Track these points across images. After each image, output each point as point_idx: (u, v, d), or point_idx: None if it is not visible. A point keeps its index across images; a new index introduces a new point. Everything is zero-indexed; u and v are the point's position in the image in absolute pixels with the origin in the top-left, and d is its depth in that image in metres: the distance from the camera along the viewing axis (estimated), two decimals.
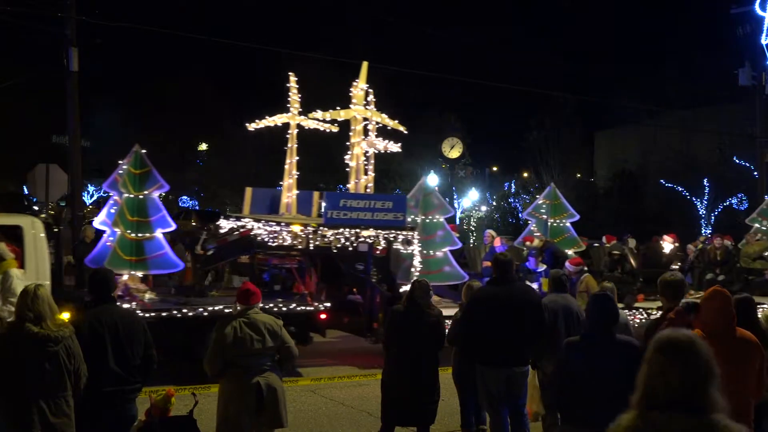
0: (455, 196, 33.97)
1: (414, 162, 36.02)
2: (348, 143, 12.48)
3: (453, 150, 24.80)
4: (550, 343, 7.28)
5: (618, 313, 5.45)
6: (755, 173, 27.67)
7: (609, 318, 5.23)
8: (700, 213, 33.74)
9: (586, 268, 11.02)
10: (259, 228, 10.62)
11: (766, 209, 15.66)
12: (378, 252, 11.73)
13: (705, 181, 33.40)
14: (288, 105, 12.50)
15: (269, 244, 10.69)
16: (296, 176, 12.21)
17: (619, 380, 5.05)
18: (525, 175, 40.69)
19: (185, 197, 43.58)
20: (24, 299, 4.93)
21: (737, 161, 31.57)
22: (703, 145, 33.96)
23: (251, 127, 12.54)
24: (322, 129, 12.60)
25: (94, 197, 43.94)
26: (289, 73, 12.51)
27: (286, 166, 12.26)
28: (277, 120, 12.53)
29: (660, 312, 6.10)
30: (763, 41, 26.64)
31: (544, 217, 14.10)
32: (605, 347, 5.11)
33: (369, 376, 10.20)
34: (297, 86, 12.39)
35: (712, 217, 33.81)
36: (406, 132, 12.83)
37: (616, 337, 5.20)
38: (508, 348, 6.63)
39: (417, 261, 11.37)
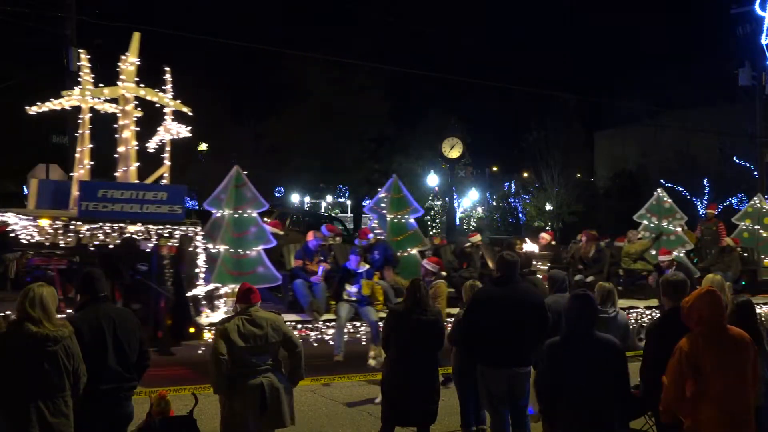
0: (455, 196, 33.97)
1: (414, 162, 36.07)
2: (158, 128, 11.24)
3: (453, 150, 24.77)
4: None
5: (596, 313, 5.56)
6: (755, 173, 27.71)
7: (586, 318, 5.34)
8: (700, 213, 33.76)
9: (444, 273, 10.41)
10: (16, 223, 9.37)
11: (655, 205, 14.45)
12: (169, 251, 10.40)
13: (705, 181, 33.46)
14: (80, 87, 10.89)
15: (24, 241, 9.36)
16: (89, 166, 10.79)
17: (598, 379, 5.17)
18: (525, 175, 40.73)
19: (185, 197, 43.57)
20: (24, 299, 4.92)
21: (737, 161, 31.61)
22: (703, 145, 34.00)
23: (32, 110, 10.80)
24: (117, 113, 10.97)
25: None
26: (80, 51, 10.94)
27: (77, 155, 10.82)
28: (65, 103, 10.82)
29: (663, 312, 6.09)
30: (763, 41, 26.66)
31: (385, 212, 12.66)
32: (584, 347, 5.25)
33: (369, 376, 10.20)
34: (89, 65, 10.84)
35: None
36: (191, 113, 11.37)
37: (596, 336, 5.32)
38: (510, 348, 6.62)
39: (202, 260, 10.19)
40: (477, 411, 7.73)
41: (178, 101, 11.23)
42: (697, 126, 32.93)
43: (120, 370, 5.29)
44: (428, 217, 36.93)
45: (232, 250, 10.50)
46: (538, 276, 12.34)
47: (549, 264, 13.17)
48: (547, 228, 33.56)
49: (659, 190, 14.82)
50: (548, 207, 37.18)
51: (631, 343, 8.00)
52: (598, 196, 37.74)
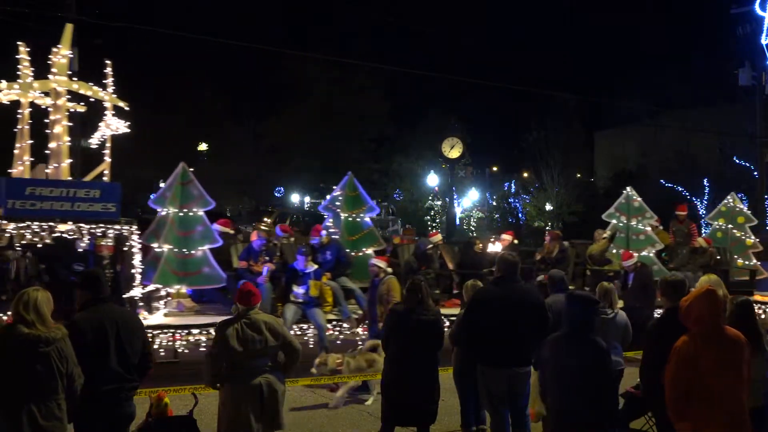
0: (455, 196, 33.97)
1: (414, 162, 36.08)
2: (102, 123, 10.87)
3: (453, 150, 24.79)
4: None
5: (595, 314, 5.69)
6: (755, 173, 27.71)
7: (584, 318, 5.44)
8: (700, 213, 33.76)
9: (390, 270, 10.14)
10: None
11: (624, 204, 14.06)
12: (108, 251, 10.01)
13: (705, 181, 33.45)
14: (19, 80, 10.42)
15: None
16: (28, 162, 10.46)
17: (581, 377, 5.30)
18: (525, 175, 40.73)
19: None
20: (19, 302, 4.91)
21: (737, 161, 31.60)
22: (703, 145, 34.01)
23: None
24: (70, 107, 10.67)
25: None
26: (18, 43, 10.53)
27: (16, 151, 10.41)
28: (3, 98, 10.25)
29: (662, 312, 6.08)
30: (763, 41, 26.68)
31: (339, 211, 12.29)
32: (576, 346, 5.38)
33: (369, 376, 10.18)
34: (29, 57, 10.39)
35: None
36: (127, 108, 10.98)
37: (588, 337, 5.42)
38: (510, 348, 6.62)
39: (137, 260, 9.92)
40: (477, 411, 7.74)
41: (114, 95, 10.78)
42: (697, 126, 32.94)
43: (121, 371, 5.29)
44: (428, 217, 36.94)
45: (176, 249, 10.15)
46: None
47: None
48: (548, 228, 33.54)
49: (628, 189, 14.43)
50: (548, 207, 37.18)
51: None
52: (598, 196, 37.72)
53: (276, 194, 44.53)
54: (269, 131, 38.02)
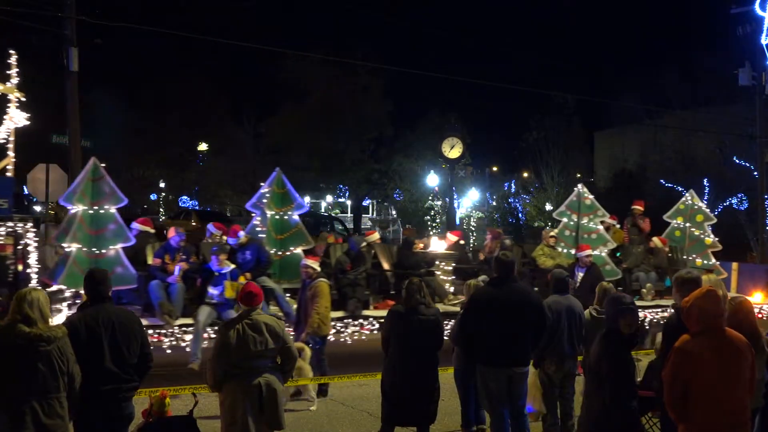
0: (455, 196, 33.95)
1: (414, 162, 36.05)
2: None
3: (453, 150, 24.73)
4: (552, 344, 7.30)
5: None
6: (755, 173, 27.69)
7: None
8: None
9: (320, 273, 9.79)
10: None
11: (575, 201, 13.46)
12: (3, 250, 9.64)
13: (705, 181, 33.41)
14: None
15: None
16: None
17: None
18: (525, 175, 40.72)
19: (185, 197, 43.60)
20: (22, 301, 4.92)
21: (737, 161, 31.58)
22: (703, 145, 33.97)
23: None
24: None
25: None
26: None
27: None
28: None
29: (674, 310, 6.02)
30: (763, 41, 26.64)
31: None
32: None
33: (369, 376, 10.17)
34: None
35: None
36: (24, 99, 10.52)
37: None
38: (509, 348, 6.63)
39: (33, 259, 9.43)
40: (477, 411, 7.74)
41: (9, 85, 10.39)
42: (697, 126, 32.91)
43: (117, 372, 5.29)
44: (428, 217, 36.92)
45: (86, 249, 9.72)
46: (439, 275, 12.00)
47: (454, 264, 12.42)
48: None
49: (580, 186, 13.90)
50: (548, 207, 37.15)
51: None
52: (598, 196, 37.73)
53: None
54: (269, 131, 37.99)
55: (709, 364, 4.68)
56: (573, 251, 12.76)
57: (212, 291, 9.68)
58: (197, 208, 38.13)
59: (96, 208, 9.92)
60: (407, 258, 12.15)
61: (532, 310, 6.73)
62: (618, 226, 14.59)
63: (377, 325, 10.63)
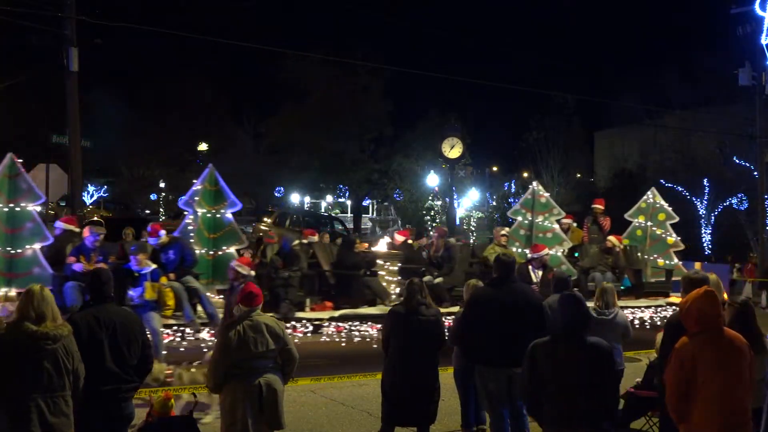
0: (455, 196, 33.96)
1: (414, 162, 36.08)
2: None
3: (453, 150, 24.75)
4: None
5: (588, 315, 5.36)
6: (755, 173, 27.70)
7: (577, 320, 5.16)
8: (700, 213, 33.75)
9: (253, 273, 9.43)
10: None
11: (530, 199, 13.13)
12: None
13: (705, 181, 33.43)
14: None
15: None
16: None
17: (586, 381, 5.00)
18: (525, 175, 40.72)
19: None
20: (28, 299, 4.93)
21: (737, 161, 31.58)
22: (703, 145, 33.99)
23: None
24: None
25: (94, 197, 43.96)
26: None
27: None
28: None
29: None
30: (763, 41, 26.66)
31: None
32: (573, 349, 5.08)
33: (369, 376, 10.19)
34: None
35: (712, 217, 33.84)
36: None
37: (586, 340, 5.12)
38: (508, 349, 6.62)
39: None
40: (477, 411, 7.74)
41: None
42: (697, 126, 32.93)
43: (118, 372, 5.29)
44: (428, 217, 36.93)
45: (1, 248, 9.38)
46: (382, 274, 11.82)
47: (400, 264, 12.07)
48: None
49: (535, 183, 13.51)
50: None
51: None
52: (598, 196, 37.75)
53: (276, 194, 44.52)
54: (269, 131, 38.02)
55: (709, 365, 4.68)
56: (527, 251, 12.23)
57: (131, 292, 9.23)
58: None
59: (12, 206, 9.52)
60: (347, 258, 11.75)
61: (532, 310, 6.72)
62: (575, 224, 14.17)
63: (311, 327, 10.41)
